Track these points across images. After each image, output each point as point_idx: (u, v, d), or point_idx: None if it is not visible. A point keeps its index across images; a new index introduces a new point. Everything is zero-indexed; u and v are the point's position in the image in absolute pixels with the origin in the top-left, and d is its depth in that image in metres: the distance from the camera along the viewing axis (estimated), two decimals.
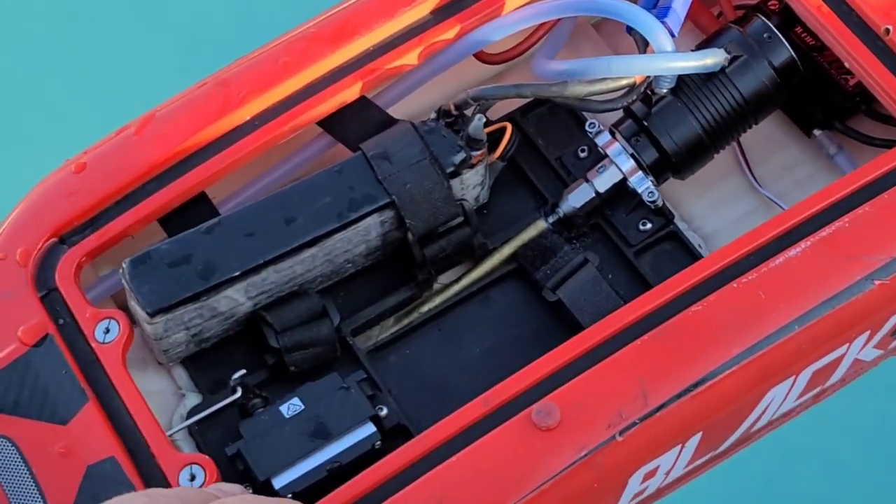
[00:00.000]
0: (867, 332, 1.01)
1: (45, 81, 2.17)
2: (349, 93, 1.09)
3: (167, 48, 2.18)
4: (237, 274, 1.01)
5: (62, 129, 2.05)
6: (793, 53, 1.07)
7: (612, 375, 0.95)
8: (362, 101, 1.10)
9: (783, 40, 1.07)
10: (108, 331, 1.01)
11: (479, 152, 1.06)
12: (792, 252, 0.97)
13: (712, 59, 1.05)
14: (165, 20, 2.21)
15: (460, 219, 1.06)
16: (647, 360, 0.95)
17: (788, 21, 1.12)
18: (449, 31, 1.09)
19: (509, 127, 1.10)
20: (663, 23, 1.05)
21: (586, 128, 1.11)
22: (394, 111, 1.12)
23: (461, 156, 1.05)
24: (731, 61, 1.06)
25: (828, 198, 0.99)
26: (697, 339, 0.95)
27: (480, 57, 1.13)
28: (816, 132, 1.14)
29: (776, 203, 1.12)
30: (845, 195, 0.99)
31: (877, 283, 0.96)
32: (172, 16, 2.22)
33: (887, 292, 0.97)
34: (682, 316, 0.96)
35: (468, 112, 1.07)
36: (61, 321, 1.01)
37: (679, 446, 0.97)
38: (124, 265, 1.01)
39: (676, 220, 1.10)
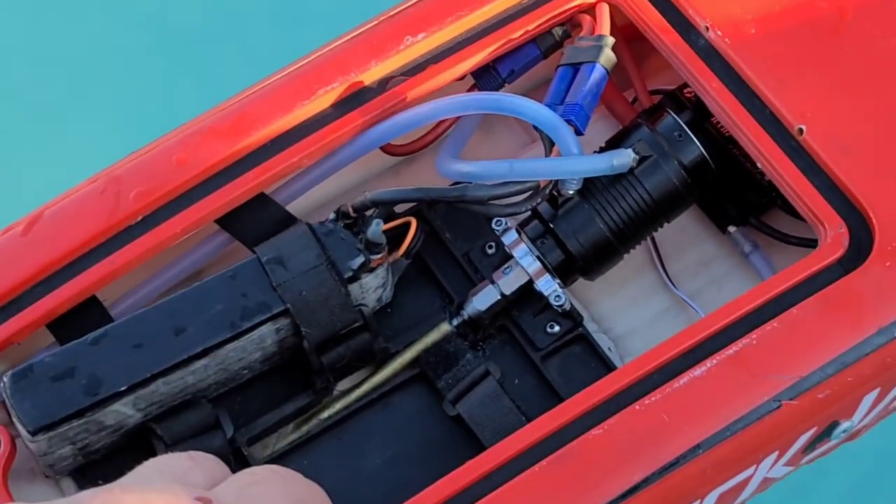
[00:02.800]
0: (775, 453, 0.97)
1: None
2: (247, 189, 1.05)
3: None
4: (124, 388, 0.97)
5: None
6: (704, 153, 1.04)
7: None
8: (261, 197, 1.06)
9: (694, 140, 1.04)
10: None
11: (378, 256, 1.02)
12: (697, 371, 0.93)
13: (619, 160, 1.01)
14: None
15: (358, 324, 1.02)
16: (545, 488, 0.91)
17: (703, 111, 1.08)
18: (349, 126, 1.05)
19: (414, 223, 1.06)
20: (569, 121, 1.01)
21: (493, 225, 1.07)
22: (295, 204, 1.08)
23: (360, 260, 1.01)
24: (640, 161, 1.03)
25: (736, 312, 0.95)
26: (598, 466, 0.92)
27: (385, 148, 1.09)
28: (731, 229, 1.11)
29: (689, 304, 1.08)
30: (753, 309, 0.96)
31: (784, 403, 0.93)
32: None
33: (795, 412, 0.94)
34: (583, 440, 0.92)
35: (367, 213, 1.04)
36: None
37: None
38: (5, 379, 0.97)
39: (586, 321, 1.07)
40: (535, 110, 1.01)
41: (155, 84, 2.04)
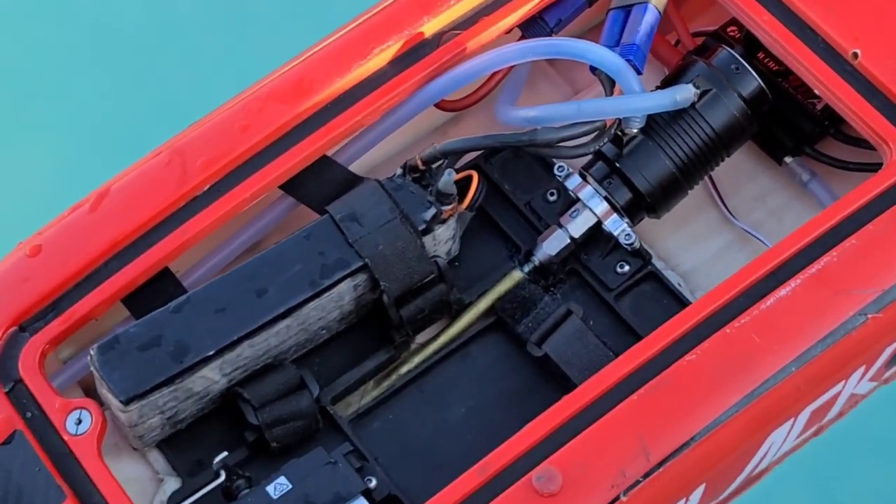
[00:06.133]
0: (863, 367, 0.99)
1: None
2: (310, 153, 1.05)
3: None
4: (211, 353, 0.97)
5: None
6: (761, 83, 1.05)
7: (610, 434, 0.92)
8: (323, 160, 1.06)
9: (751, 71, 1.05)
10: (79, 422, 0.97)
11: (449, 206, 1.03)
12: (782, 292, 0.95)
13: (682, 95, 1.02)
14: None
15: (434, 275, 1.03)
16: (645, 416, 0.92)
17: (751, 48, 1.10)
18: (408, 83, 1.06)
19: (476, 176, 1.07)
20: (629, 61, 1.02)
21: (555, 171, 1.07)
22: (352, 166, 1.09)
23: (432, 211, 1.02)
24: (701, 96, 1.04)
25: (812, 232, 0.97)
26: (694, 390, 0.93)
27: (438, 104, 1.10)
28: (787, 159, 1.12)
29: (753, 235, 1.10)
30: (829, 229, 0.97)
31: (870, 316, 0.94)
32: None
33: (880, 325, 0.95)
34: (677, 366, 0.93)
35: (434, 165, 1.04)
36: (29, 415, 0.97)
37: (683, 500, 0.94)
38: (92, 352, 0.97)
39: (654, 260, 1.08)
40: (597, 52, 1.02)
41: (97, 92, 2.02)
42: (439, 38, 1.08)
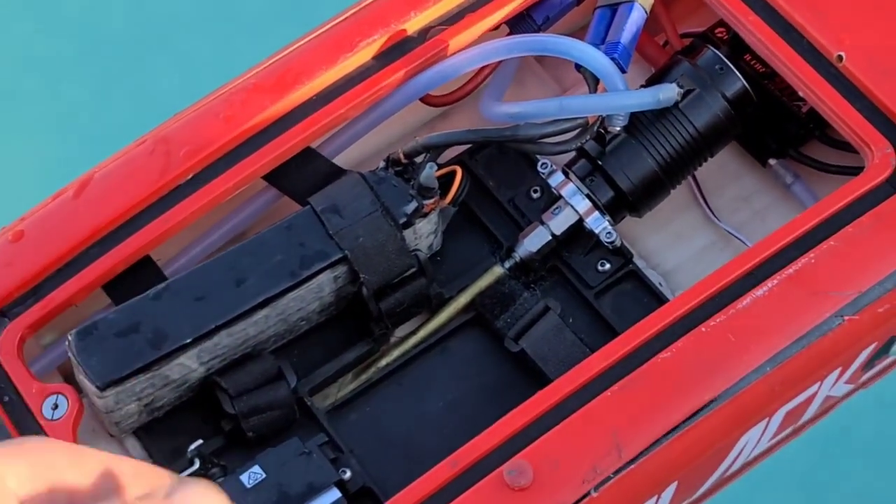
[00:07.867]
0: (839, 369, 0.99)
1: None
2: (294, 144, 1.05)
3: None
4: (189, 341, 0.98)
5: None
6: (746, 84, 1.06)
7: (583, 429, 0.92)
8: (307, 151, 1.07)
9: (735, 72, 1.05)
10: (56, 407, 0.97)
11: (431, 200, 1.03)
12: (759, 292, 0.95)
13: (665, 94, 1.03)
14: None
15: (414, 269, 1.03)
16: (619, 412, 0.92)
17: (737, 49, 1.10)
18: (393, 77, 1.06)
19: (459, 171, 1.07)
20: (613, 59, 1.03)
21: (538, 168, 1.08)
22: (338, 159, 1.09)
23: (413, 205, 1.02)
24: (684, 95, 1.04)
25: (791, 233, 0.97)
26: (669, 387, 0.93)
27: (425, 99, 1.10)
28: (772, 161, 1.12)
29: (735, 236, 1.10)
30: (808, 230, 0.97)
31: (846, 318, 0.95)
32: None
33: (857, 327, 0.95)
34: (652, 363, 0.93)
35: (418, 159, 1.05)
36: (6, 399, 0.97)
37: (655, 497, 0.95)
38: (70, 337, 0.97)
39: (635, 259, 1.08)
40: (580, 49, 1.02)
41: (83, 84, 2.02)
42: (426, 34, 1.08)
